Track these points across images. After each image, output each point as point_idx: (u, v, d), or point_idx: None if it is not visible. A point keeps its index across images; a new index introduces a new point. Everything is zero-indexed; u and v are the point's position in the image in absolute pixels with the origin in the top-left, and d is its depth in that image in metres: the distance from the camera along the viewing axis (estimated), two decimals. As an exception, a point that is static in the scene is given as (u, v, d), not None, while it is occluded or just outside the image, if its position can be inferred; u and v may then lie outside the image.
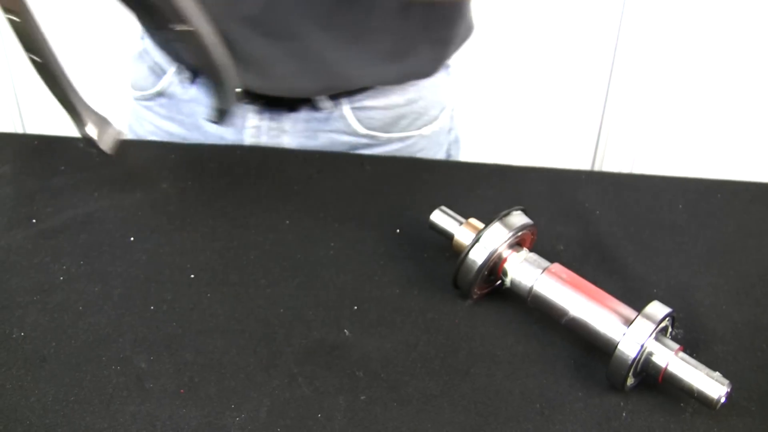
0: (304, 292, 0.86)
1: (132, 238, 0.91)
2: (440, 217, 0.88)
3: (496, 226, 0.82)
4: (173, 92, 1.17)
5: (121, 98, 1.32)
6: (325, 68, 1.08)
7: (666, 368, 0.74)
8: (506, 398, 0.76)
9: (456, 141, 1.30)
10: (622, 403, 0.76)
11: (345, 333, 0.81)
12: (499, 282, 0.85)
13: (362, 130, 1.15)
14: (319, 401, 0.75)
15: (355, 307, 0.84)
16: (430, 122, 1.22)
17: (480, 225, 0.85)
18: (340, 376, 0.77)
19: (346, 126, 1.15)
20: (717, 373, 0.73)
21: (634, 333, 0.73)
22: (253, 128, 1.14)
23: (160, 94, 1.19)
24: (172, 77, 1.16)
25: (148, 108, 1.22)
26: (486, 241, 0.81)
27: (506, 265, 0.83)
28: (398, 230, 0.94)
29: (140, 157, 1.02)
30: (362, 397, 0.75)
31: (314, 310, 0.84)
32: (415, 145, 1.21)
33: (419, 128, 1.20)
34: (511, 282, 0.83)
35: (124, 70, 1.27)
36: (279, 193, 0.99)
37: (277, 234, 0.93)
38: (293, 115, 1.13)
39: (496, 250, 0.81)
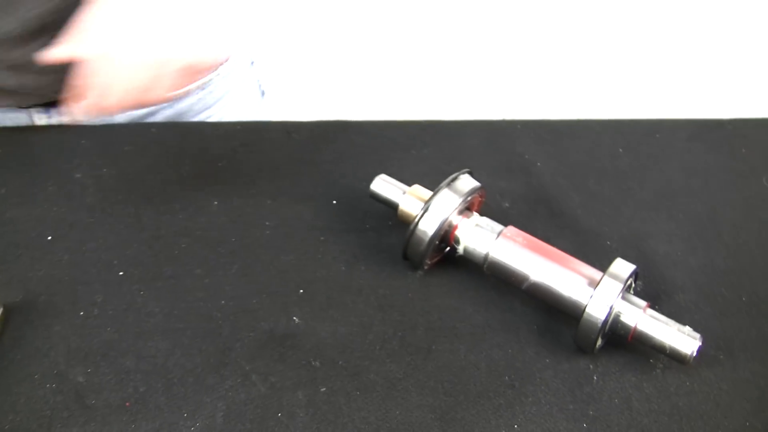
0: (245, 278, 0.80)
1: (50, 237, 0.84)
2: (381, 186, 0.83)
3: (445, 193, 0.77)
4: None
5: None
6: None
7: (636, 327, 0.71)
8: (473, 374, 0.73)
9: (263, 76, 1.23)
10: (591, 366, 0.74)
11: (294, 320, 0.76)
12: (448, 249, 0.81)
13: None
14: (278, 399, 0.70)
15: (301, 291, 0.79)
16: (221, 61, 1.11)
17: (426, 192, 0.81)
18: (295, 368, 0.73)
19: None
20: (687, 328, 0.71)
21: (602, 294, 0.71)
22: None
23: None
24: None
25: None
26: (435, 209, 0.77)
27: (458, 233, 0.78)
28: (335, 201, 0.89)
29: (47, 146, 0.95)
30: (322, 389, 0.71)
31: (258, 298, 0.78)
32: (217, 89, 1.12)
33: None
34: (465, 250, 0.79)
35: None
36: (203, 172, 0.92)
37: (207, 217, 0.87)
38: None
39: (446, 219, 0.77)
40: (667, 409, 0.71)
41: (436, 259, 0.82)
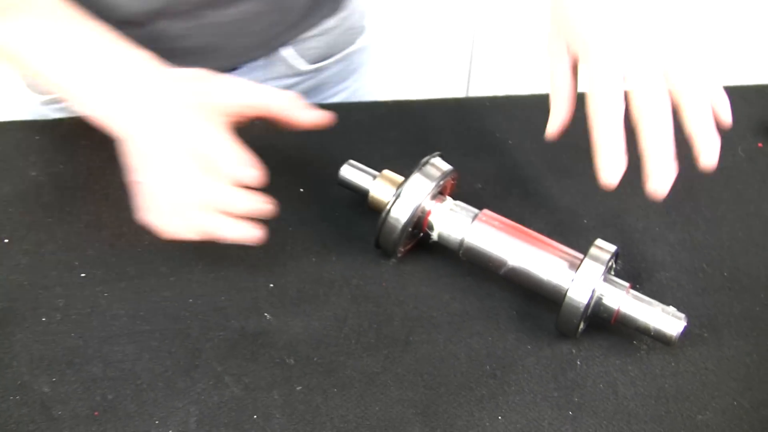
0: (212, 275, 0.78)
1: (6, 240, 0.80)
2: (350, 173, 0.80)
3: (417, 178, 0.75)
4: None
5: (21, 102, 1.14)
6: (273, 35, 1.00)
7: (619, 310, 0.70)
8: (453, 364, 0.71)
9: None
10: (574, 351, 0.72)
11: (266, 317, 0.74)
12: (421, 235, 0.79)
13: (305, 66, 1.08)
14: (252, 400, 0.68)
15: (271, 285, 0.77)
16: (363, 32, 1.15)
17: (397, 177, 0.78)
18: (269, 367, 0.70)
19: (288, 67, 1.06)
20: (671, 308, 0.70)
21: (583, 277, 0.68)
22: None
23: None
24: None
25: (61, 110, 1.05)
26: (407, 195, 0.74)
27: (431, 218, 0.76)
28: (302, 189, 0.86)
29: (-1, 143, 0.91)
30: (298, 388, 0.69)
31: (227, 295, 0.76)
32: (353, 62, 1.15)
33: (353, 42, 1.13)
34: (439, 236, 0.76)
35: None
36: (164, 164, 0.89)
37: (170, 212, 0.84)
38: (231, 73, 1.03)
39: (419, 205, 0.74)
40: (653, 392, 0.69)
41: (409, 246, 0.79)
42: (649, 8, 0.70)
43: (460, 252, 0.75)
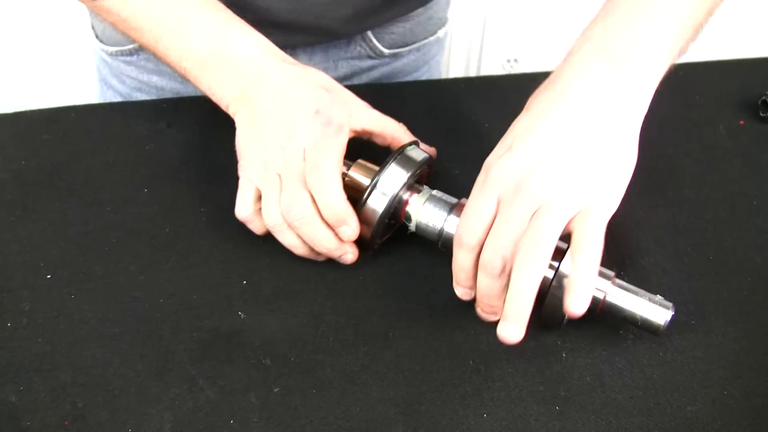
0: (183, 273, 0.75)
1: (-33, 241, 0.77)
2: None
3: (393, 168, 0.72)
4: None
5: (86, 51, 1.14)
6: (357, 17, 0.97)
7: (604, 299, 0.68)
8: (435, 360, 0.69)
9: None
10: (559, 342, 0.70)
11: (240, 315, 0.71)
12: (398, 225, 0.76)
13: (386, 50, 1.05)
14: (228, 404, 0.65)
15: (245, 282, 0.74)
16: (443, 25, 1.13)
17: (372, 166, 0.75)
18: (245, 368, 0.68)
19: (368, 49, 1.04)
20: (658, 297, 0.68)
21: (567, 268, 0.66)
22: None
23: (142, 49, 1.01)
24: None
25: (129, 63, 1.04)
26: (384, 185, 0.72)
27: (409, 209, 0.73)
28: (274, 180, 0.84)
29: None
30: (276, 389, 0.66)
31: (199, 294, 0.73)
32: (429, 52, 1.12)
33: (434, 33, 1.11)
34: (417, 226, 0.74)
35: (84, 20, 1.09)
36: (130, 157, 0.86)
37: (137, 207, 0.81)
38: (309, 48, 1.01)
39: (396, 195, 0.72)
40: (641, 383, 0.67)
41: (386, 237, 0.77)
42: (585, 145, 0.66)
43: (439, 243, 0.73)
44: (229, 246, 0.77)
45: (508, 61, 2.12)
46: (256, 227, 0.75)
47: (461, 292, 0.70)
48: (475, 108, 0.92)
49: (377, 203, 0.71)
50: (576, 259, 0.64)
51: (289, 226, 0.73)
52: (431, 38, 1.11)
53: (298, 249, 0.74)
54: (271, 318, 0.71)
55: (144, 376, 0.67)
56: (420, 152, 0.74)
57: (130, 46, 1.02)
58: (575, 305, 0.63)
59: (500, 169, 0.67)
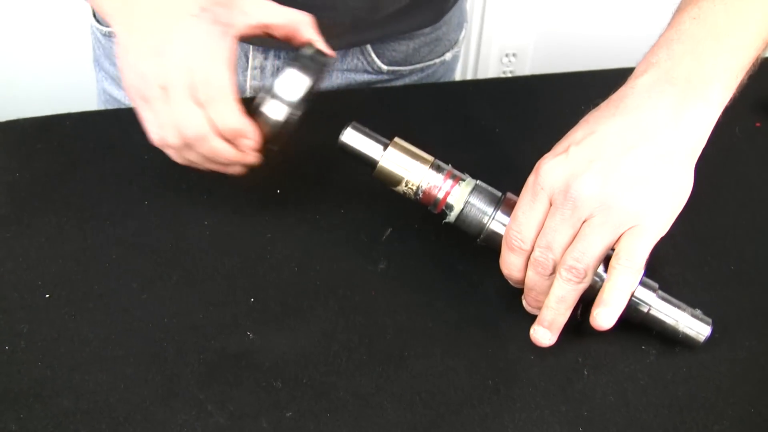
0: (188, 290, 0.72)
1: (-39, 258, 0.74)
2: (355, 138, 0.72)
3: (291, 73, 0.69)
4: None
5: (83, 25, 1.12)
6: (357, 28, 0.94)
7: (649, 311, 0.68)
8: (452, 380, 0.66)
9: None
10: (580, 359, 0.68)
11: (248, 335, 0.69)
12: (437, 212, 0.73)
13: (385, 67, 1.01)
14: (239, 429, 0.63)
15: (252, 299, 0.72)
16: (452, 47, 1.09)
17: (410, 146, 0.72)
18: (255, 392, 0.65)
19: (366, 63, 1.00)
20: (698, 311, 0.68)
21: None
22: (255, 69, 0.97)
23: None
24: None
25: None
26: (282, 91, 0.69)
27: (450, 199, 0.70)
28: (278, 190, 0.81)
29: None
30: (288, 414, 0.64)
31: (205, 312, 0.70)
32: (434, 74, 1.08)
33: (441, 55, 1.07)
34: (457, 218, 0.70)
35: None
36: (128, 167, 0.83)
37: (137, 220, 0.78)
38: None
39: (296, 103, 0.70)
40: (666, 401, 0.65)
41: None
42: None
43: (480, 238, 0.70)
44: (235, 261, 0.74)
45: (506, 56, 2.09)
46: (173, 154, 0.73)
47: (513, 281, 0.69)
48: (485, 112, 0.89)
49: (275, 112, 0.69)
50: (613, 275, 0.63)
51: (185, 144, 0.69)
52: (437, 60, 1.07)
53: (199, 165, 0.72)
54: (280, 337, 0.69)
55: (150, 401, 0.64)
56: (320, 56, 0.71)
57: None
58: (602, 319, 0.63)
59: (552, 169, 0.65)
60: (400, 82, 1.05)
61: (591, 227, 0.63)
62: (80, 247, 0.75)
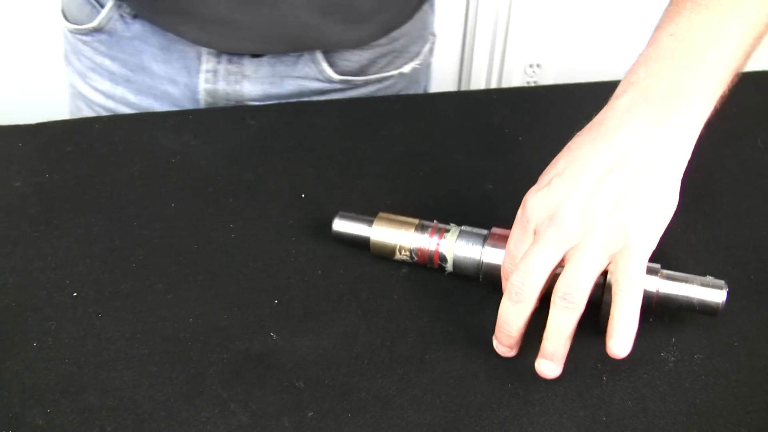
0: (212, 291, 0.73)
1: (-9, 257, 0.76)
2: (344, 225, 0.77)
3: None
4: (113, 28, 1.00)
5: (53, 24, 1.14)
6: (302, 33, 0.95)
7: (657, 293, 0.68)
8: (473, 384, 0.67)
9: (430, 74, 1.18)
10: (599, 365, 0.68)
11: (271, 336, 0.70)
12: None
13: (336, 76, 1.02)
14: (261, 428, 0.63)
15: (276, 301, 0.72)
16: (412, 59, 1.08)
17: (393, 217, 0.76)
18: (278, 391, 0.66)
19: (317, 72, 1.01)
20: (709, 277, 0.69)
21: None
22: (208, 72, 0.99)
23: (98, 30, 1.01)
24: (111, 11, 0.99)
25: (85, 43, 1.04)
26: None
27: (442, 250, 0.73)
28: (303, 195, 0.82)
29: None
30: (310, 414, 0.64)
31: (229, 313, 0.71)
32: (393, 86, 1.08)
33: (399, 67, 1.07)
34: (454, 265, 0.73)
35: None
36: (155, 171, 0.84)
37: (164, 223, 0.79)
38: (256, 59, 0.99)
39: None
40: (684, 408, 0.65)
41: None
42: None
43: (480, 277, 0.73)
44: (259, 264, 0.75)
45: (531, 66, 2.10)
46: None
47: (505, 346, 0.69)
48: (508, 120, 0.90)
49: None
50: (618, 302, 0.64)
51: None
52: (394, 72, 1.07)
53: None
54: (303, 339, 0.69)
55: (174, 399, 0.65)
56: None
57: (87, 26, 1.02)
58: (617, 348, 0.63)
59: (536, 202, 0.66)
60: (355, 93, 1.05)
61: (578, 253, 0.64)
62: (107, 248, 0.77)
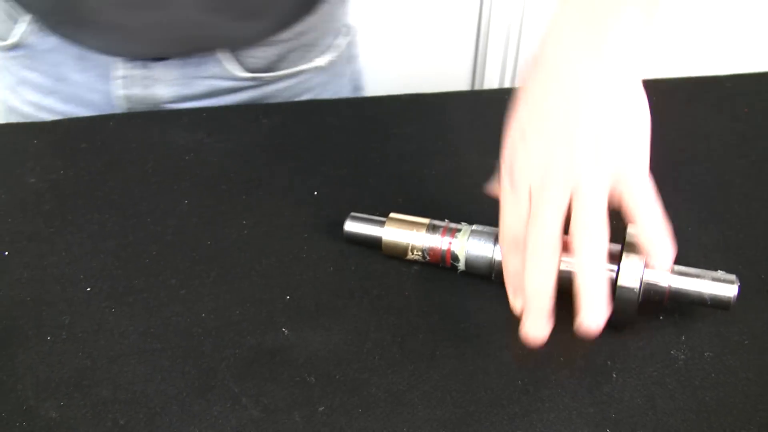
0: (225, 287, 0.74)
1: (6, 252, 0.76)
2: (355, 226, 0.77)
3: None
4: (32, 43, 1.01)
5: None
6: (195, 32, 0.94)
7: (669, 289, 0.69)
8: (483, 380, 0.67)
9: (360, 70, 1.17)
10: (609, 362, 0.68)
11: (284, 332, 0.70)
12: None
13: (243, 74, 1.01)
14: (272, 423, 0.64)
15: (288, 297, 0.73)
16: (324, 52, 1.07)
17: (405, 218, 0.76)
18: (289, 386, 0.66)
19: (223, 71, 1.00)
20: (720, 272, 0.69)
21: (629, 265, 0.67)
22: (122, 79, 0.99)
23: (18, 46, 1.02)
24: (29, 26, 0.99)
25: (10, 58, 1.05)
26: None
27: (454, 249, 0.74)
28: (315, 192, 0.83)
29: (-5, 148, 0.87)
30: (320, 408, 0.65)
31: (241, 309, 0.72)
32: (311, 80, 1.07)
33: (311, 60, 1.06)
34: (467, 264, 0.74)
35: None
36: (169, 168, 0.85)
37: (177, 219, 0.80)
38: (163, 63, 0.99)
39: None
40: (693, 406, 0.66)
41: None
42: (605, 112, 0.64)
43: (492, 275, 0.73)
44: (271, 260, 0.76)
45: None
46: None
47: (520, 304, 0.68)
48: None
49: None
50: (643, 219, 0.64)
51: None
52: (308, 66, 1.06)
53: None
54: (314, 335, 0.70)
55: (186, 393, 0.66)
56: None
57: (8, 42, 1.02)
58: (661, 258, 0.63)
59: (522, 160, 0.65)
60: (270, 89, 1.04)
61: (582, 197, 0.63)
62: (121, 244, 0.77)
